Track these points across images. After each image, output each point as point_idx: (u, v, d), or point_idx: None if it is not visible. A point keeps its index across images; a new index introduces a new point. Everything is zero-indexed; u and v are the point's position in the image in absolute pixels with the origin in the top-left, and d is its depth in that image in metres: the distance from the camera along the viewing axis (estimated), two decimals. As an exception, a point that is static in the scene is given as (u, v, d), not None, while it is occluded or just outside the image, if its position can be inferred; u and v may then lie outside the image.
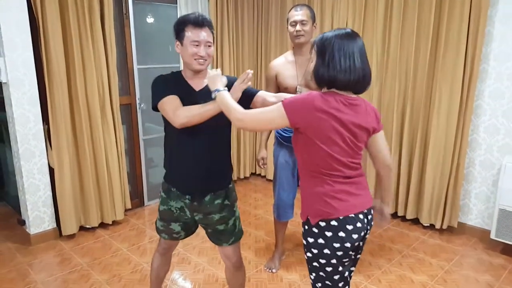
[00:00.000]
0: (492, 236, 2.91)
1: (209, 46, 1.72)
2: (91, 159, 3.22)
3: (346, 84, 1.41)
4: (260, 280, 2.64)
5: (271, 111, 1.46)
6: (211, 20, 1.77)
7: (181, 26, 1.71)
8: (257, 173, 4.78)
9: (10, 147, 3.15)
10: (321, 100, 1.39)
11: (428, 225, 3.33)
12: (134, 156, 3.77)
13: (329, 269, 1.47)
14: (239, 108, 1.52)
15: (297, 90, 2.45)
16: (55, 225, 3.20)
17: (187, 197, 1.81)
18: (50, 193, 3.13)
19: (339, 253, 1.45)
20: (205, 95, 1.68)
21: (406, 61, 3.25)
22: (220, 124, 1.74)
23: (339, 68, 1.39)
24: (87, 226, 3.32)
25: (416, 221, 3.43)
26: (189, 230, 1.96)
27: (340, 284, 1.52)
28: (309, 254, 1.51)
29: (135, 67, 3.60)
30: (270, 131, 2.74)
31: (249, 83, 1.67)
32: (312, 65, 1.48)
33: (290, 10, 2.46)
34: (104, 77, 3.19)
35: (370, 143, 1.57)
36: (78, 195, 3.22)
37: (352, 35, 1.43)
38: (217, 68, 1.73)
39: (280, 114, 1.41)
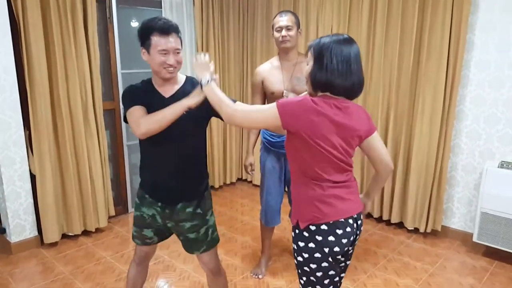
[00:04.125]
0: (475, 239, 2.96)
1: (178, 53, 1.66)
2: (73, 166, 3.16)
3: (342, 89, 1.41)
4: (247, 287, 2.63)
5: (264, 110, 1.46)
6: (177, 25, 1.70)
7: (146, 33, 1.64)
8: (244, 178, 4.76)
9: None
10: (316, 103, 1.39)
11: (413, 229, 3.37)
12: (118, 162, 3.71)
13: (319, 274, 1.47)
14: (229, 102, 1.51)
15: (284, 94, 2.46)
16: (36, 233, 3.13)
17: (159, 204, 1.79)
18: (31, 200, 3.06)
19: (329, 257, 1.45)
20: (175, 101, 1.61)
21: (390, 67, 3.29)
22: (190, 132, 1.71)
23: (336, 73, 1.39)
24: (70, 234, 3.25)
25: (400, 225, 3.47)
26: (162, 235, 1.93)
27: None
28: (299, 259, 1.50)
29: (119, 71, 3.56)
30: (257, 136, 2.74)
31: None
32: (307, 68, 1.47)
33: (275, 17, 2.48)
34: (87, 81, 3.14)
35: (367, 146, 1.56)
36: (60, 202, 3.15)
37: (349, 41, 1.43)
38: (204, 53, 1.67)
39: (273, 114, 1.41)
